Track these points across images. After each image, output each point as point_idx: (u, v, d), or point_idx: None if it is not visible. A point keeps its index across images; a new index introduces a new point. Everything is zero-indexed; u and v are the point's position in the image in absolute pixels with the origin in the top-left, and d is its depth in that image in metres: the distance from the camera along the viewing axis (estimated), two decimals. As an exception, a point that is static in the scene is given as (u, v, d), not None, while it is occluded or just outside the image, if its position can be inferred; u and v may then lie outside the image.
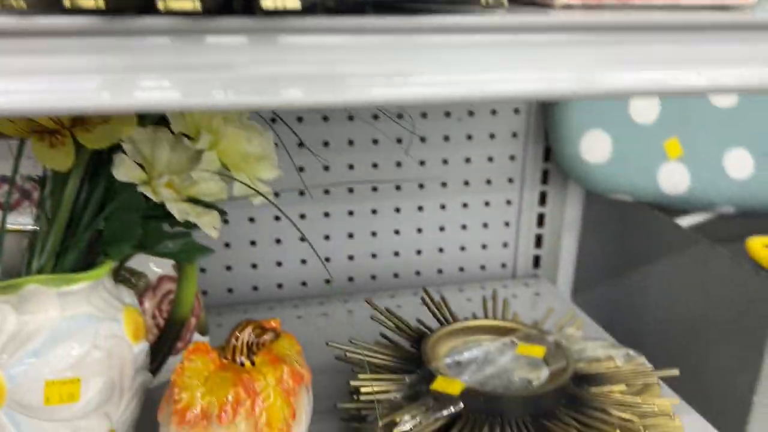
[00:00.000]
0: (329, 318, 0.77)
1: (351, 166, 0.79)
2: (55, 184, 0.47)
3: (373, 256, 0.84)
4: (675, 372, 0.56)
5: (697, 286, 0.73)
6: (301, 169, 0.77)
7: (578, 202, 0.89)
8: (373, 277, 0.85)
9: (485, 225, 0.86)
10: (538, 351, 0.58)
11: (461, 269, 0.88)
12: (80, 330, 0.47)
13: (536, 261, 0.90)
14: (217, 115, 0.46)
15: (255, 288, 0.81)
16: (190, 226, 0.48)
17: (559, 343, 0.58)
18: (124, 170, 0.43)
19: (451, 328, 0.62)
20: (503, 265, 0.89)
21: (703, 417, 0.61)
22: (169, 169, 0.46)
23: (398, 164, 0.80)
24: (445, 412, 0.50)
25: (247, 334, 0.49)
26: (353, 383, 0.55)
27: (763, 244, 0.61)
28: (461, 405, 0.51)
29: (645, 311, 0.82)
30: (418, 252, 0.85)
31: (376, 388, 0.54)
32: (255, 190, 0.48)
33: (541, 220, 0.88)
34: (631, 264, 0.84)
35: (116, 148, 0.45)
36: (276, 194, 0.78)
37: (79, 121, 0.45)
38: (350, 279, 0.84)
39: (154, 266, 0.65)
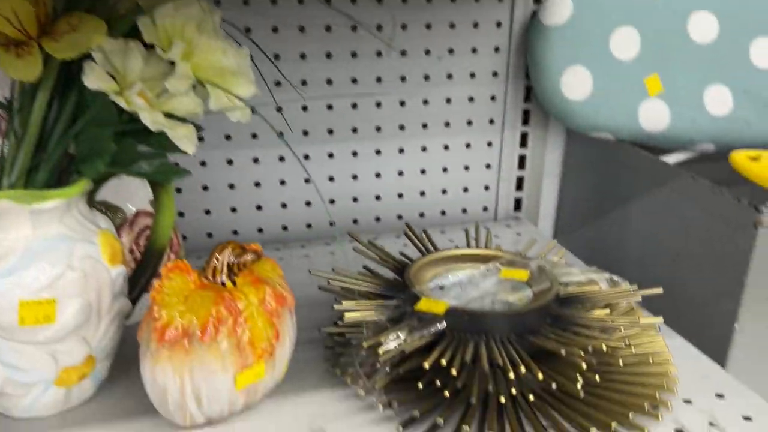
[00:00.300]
0: (310, 259, 0.76)
1: (329, 81, 0.77)
2: (24, 99, 0.45)
3: (354, 199, 0.83)
4: (658, 290, 0.56)
5: (679, 219, 0.73)
6: (277, 84, 0.76)
7: (559, 144, 0.89)
8: (355, 221, 0.84)
9: (466, 167, 0.86)
10: (521, 274, 0.57)
11: (443, 213, 0.87)
12: (54, 250, 0.46)
13: (517, 204, 0.90)
14: (191, 23, 0.44)
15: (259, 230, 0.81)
16: (164, 145, 0.47)
17: (542, 267, 0.58)
18: (94, 78, 0.42)
19: (434, 256, 0.61)
20: (485, 209, 0.89)
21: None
22: (142, 80, 0.45)
23: (378, 79, 0.78)
24: (429, 331, 0.50)
25: (227, 254, 0.48)
26: (337, 307, 0.54)
27: (747, 156, 0.61)
28: (445, 324, 0.50)
29: (626, 249, 0.82)
30: (400, 195, 0.85)
31: (360, 312, 0.53)
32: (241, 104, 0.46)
33: (522, 162, 0.88)
34: (612, 203, 0.84)
35: (86, 58, 0.43)
36: (254, 136, 0.77)
37: (46, 31, 0.43)
38: (331, 224, 0.83)
39: (131, 205, 0.63)
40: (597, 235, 0.89)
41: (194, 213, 0.78)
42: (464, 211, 0.88)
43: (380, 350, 0.49)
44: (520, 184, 0.89)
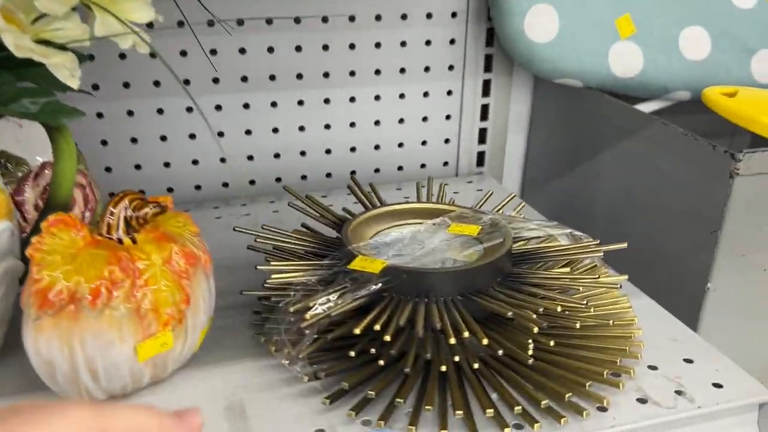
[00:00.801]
0: (251, 217, 0.69)
1: (269, 21, 0.70)
2: None
3: (302, 153, 0.76)
4: (622, 245, 0.51)
5: (651, 170, 0.67)
6: (210, 24, 0.69)
7: (526, 93, 0.82)
8: (304, 177, 0.77)
9: (424, 119, 0.79)
10: (471, 230, 0.51)
11: (400, 168, 0.81)
12: None
13: (480, 158, 0.84)
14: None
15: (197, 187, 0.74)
16: (47, 79, 0.40)
17: (496, 222, 0.52)
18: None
19: (378, 211, 0.55)
20: (445, 164, 0.82)
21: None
22: (13, 2, 0.37)
23: (324, 19, 0.71)
24: (363, 292, 0.44)
25: (123, 207, 0.42)
26: (261, 268, 0.48)
27: (722, 92, 0.56)
28: (380, 284, 0.44)
29: (597, 204, 0.77)
30: (352, 149, 0.78)
31: (288, 273, 0.47)
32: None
33: (484, 113, 0.82)
34: (582, 156, 0.78)
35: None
36: (187, 81, 0.69)
37: None
38: (278, 179, 0.77)
39: (39, 157, 0.56)
40: (566, 192, 0.83)
41: (124, 167, 0.71)
42: (423, 166, 0.82)
43: (308, 314, 0.43)
44: (483, 136, 0.83)
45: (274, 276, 0.47)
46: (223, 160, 0.74)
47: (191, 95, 0.69)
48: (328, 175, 0.78)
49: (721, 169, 0.58)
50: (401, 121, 0.78)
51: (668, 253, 0.66)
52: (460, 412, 0.40)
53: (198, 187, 0.74)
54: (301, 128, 0.75)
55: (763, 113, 0.53)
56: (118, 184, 0.71)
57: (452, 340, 0.41)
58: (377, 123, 0.78)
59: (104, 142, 0.69)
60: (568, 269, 0.51)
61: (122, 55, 0.66)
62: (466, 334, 0.41)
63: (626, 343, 0.47)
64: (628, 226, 0.72)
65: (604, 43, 0.73)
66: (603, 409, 0.43)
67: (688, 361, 0.48)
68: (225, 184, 0.75)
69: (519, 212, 0.60)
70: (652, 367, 0.47)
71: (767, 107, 0.54)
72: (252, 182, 0.76)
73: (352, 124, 0.77)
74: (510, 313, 0.41)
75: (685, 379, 0.46)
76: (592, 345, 0.46)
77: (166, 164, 0.72)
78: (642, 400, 0.44)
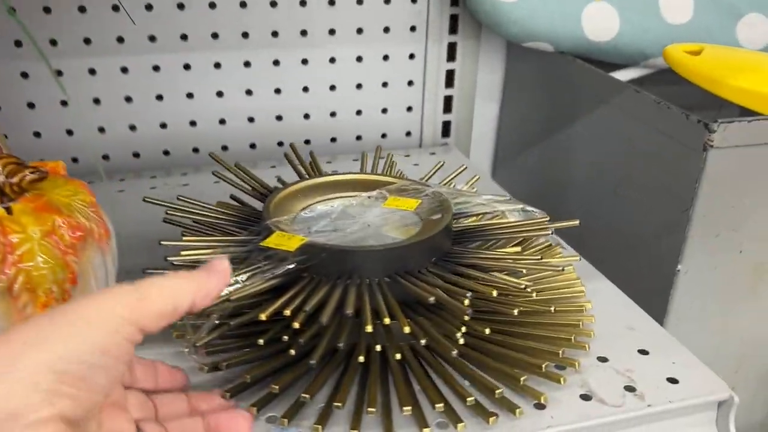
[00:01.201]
0: (190, 188, 0.64)
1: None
2: None
3: (250, 120, 0.71)
4: (574, 222, 0.46)
5: (623, 143, 0.62)
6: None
7: (496, 59, 0.77)
8: (252, 146, 0.72)
9: (384, 84, 0.74)
10: (409, 204, 0.46)
11: (358, 138, 0.75)
12: None
13: (446, 128, 0.78)
14: None
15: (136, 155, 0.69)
16: None
17: (438, 195, 0.47)
18: None
19: (309, 183, 0.50)
20: (408, 133, 0.77)
21: (618, 287, 0.51)
22: None
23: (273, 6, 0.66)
24: (275, 272, 0.39)
25: (-5, 172, 0.37)
26: (164, 243, 0.43)
27: (685, 50, 0.50)
28: (295, 264, 0.39)
29: (569, 180, 0.72)
30: (306, 116, 0.73)
31: (196, 250, 0.42)
32: None
33: (450, 79, 0.76)
34: (554, 128, 0.73)
35: None
36: (120, 40, 0.64)
37: None
38: (224, 147, 0.71)
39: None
40: (538, 166, 0.78)
41: (54, 132, 0.66)
42: (384, 136, 0.76)
43: None
44: (448, 105, 0.77)
45: (182, 252, 0.42)
46: (164, 125, 0.68)
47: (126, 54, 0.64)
48: (280, 143, 0.73)
49: (695, 141, 0.53)
50: (359, 86, 0.73)
51: (639, 233, 0.61)
52: (373, 409, 0.36)
53: (137, 155, 0.69)
54: (248, 92, 0.69)
55: (730, 75, 0.48)
56: (51, 151, 0.66)
57: (369, 328, 0.36)
58: (332, 88, 0.72)
59: (31, 105, 0.64)
60: (517, 249, 0.46)
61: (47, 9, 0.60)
62: (387, 320, 0.37)
63: (573, 331, 0.42)
64: (601, 204, 0.66)
65: (576, 3, 0.68)
66: (540, 407, 0.38)
67: (643, 352, 0.43)
68: (166, 152, 0.70)
69: (471, 186, 0.55)
70: (602, 359, 0.42)
71: (736, 68, 0.49)
72: (195, 150, 0.70)
73: (305, 89, 0.71)
74: (432, 298, 0.36)
75: (637, 373, 0.41)
76: (534, 333, 0.41)
77: (101, 129, 0.67)
78: (586, 397, 0.39)
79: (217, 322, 0.38)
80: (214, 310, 0.38)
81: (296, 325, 0.36)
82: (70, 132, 0.66)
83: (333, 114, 0.73)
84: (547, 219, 0.46)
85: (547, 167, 0.76)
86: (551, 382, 0.39)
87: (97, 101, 0.65)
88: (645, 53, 0.71)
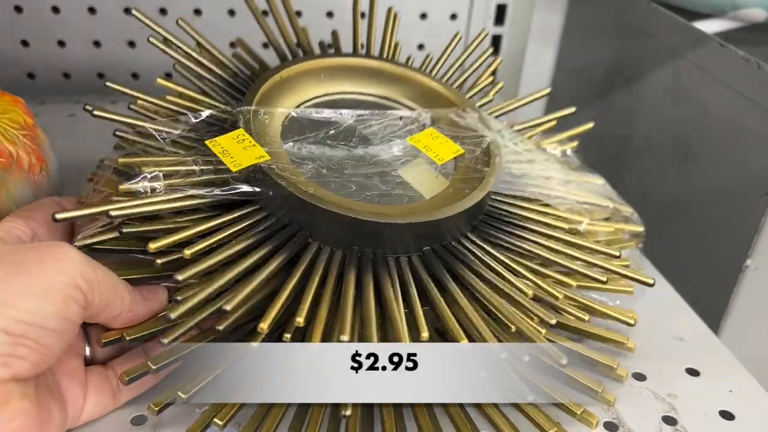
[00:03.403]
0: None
1: None
2: None
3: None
4: (639, 228, 0.36)
5: (699, 105, 0.52)
6: None
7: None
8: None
9: (423, 15, 0.64)
10: (444, 150, 0.35)
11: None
12: None
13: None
14: None
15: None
16: None
17: (492, 150, 0.36)
18: None
19: (329, 62, 0.39)
20: (446, 75, 0.67)
21: (669, 281, 0.41)
22: None
23: None
24: (202, 193, 0.29)
25: None
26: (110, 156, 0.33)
27: None
28: (226, 191, 0.30)
29: (628, 145, 0.62)
30: (331, 46, 0.64)
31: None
32: None
33: (501, 15, 0.65)
34: (617, 85, 0.62)
35: None
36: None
37: None
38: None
39: None
40: (594, 127, 0.68)
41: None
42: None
43: (122, 188, 0.29)
44: (496, 45, 0.67)
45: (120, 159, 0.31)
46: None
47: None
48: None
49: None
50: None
51: (704, 216, 0.51)
52: None
53: (101, 75, 0.61)
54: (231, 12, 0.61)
55: None
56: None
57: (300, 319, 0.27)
58: (363, 15, 0.63)
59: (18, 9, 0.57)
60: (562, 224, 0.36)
61: None
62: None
63: (608, 338, 0.34)
64: (663, 177, 0.56)
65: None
66: (551, 435, 0.30)
67: (692, 372, 0.34)
68: (135, 75, 0.61)
69: (544, 135, 0.44)
70: (639, 377, 0.33)
71: None
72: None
73: (329, 14, 0.62)
74: (398, 316, 0.28)
75: (681, 400, 0.32)
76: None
77: (96, 43, 0.59)
78: (611, 426, 0.30)
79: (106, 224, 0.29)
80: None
81: (228, 307, 0.27)
82: (25, 42, 0.58)
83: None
84: (641, 233, 0.36)
85: (605, 129, 0.65)
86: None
87: (55, 9, 0.57)
88: (735, 2, 0.59)
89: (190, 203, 0.30)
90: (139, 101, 0.35)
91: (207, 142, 0.32)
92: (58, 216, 0.28)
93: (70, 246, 0.26)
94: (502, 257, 0.32)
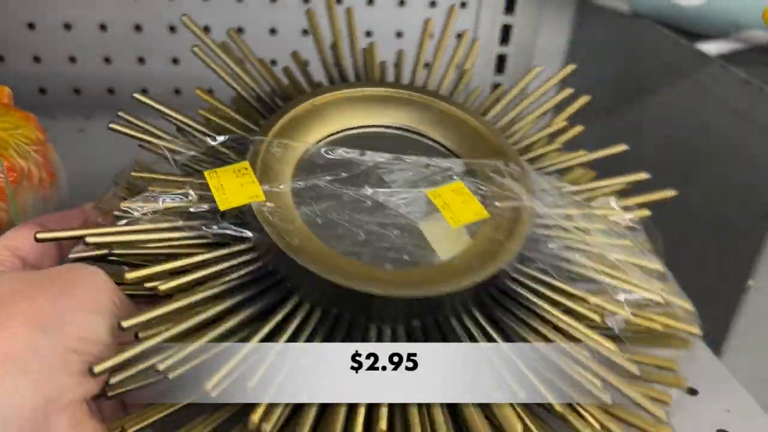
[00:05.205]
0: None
1: None
2: None
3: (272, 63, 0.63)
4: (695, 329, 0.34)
5: (701, 124, 0.52)
6: None
7: (562, 17, 0.67)
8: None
9: (433, 4, 0.65)
10: (469, 212, 0.31)
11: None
12: None
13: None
14: None
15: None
16: None
17: (525, 216, 0.32)
18: None
19: (361, 92, 0.36)
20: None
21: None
22: None
23: None
24: (191, 232, 0.28)
25: None
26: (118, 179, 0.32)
27: None
28: (217, 230, 0.29)
29: (632, 163, 0.62)
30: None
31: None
32: None
33: (506, 35, 0.66)
34: (622, 105, 0.63)
35: None
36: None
37: None
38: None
39: None
40: (599, 146, 0.68)
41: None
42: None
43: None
44: (501, 64, 0.68)
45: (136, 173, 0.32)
46: (175, 61, 0.61)
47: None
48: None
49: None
50: (399, 34, 0.64)
51: (705, 235, 0.52)
52: None
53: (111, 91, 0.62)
54: (273, 31, 0.62)
55: None
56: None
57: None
58: (369, 34, 0.64)
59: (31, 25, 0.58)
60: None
61: None
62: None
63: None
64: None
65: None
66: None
67: (690, 391, 0.34)
68: (177, 91, 0.63)
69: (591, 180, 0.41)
70: (636, 395, 0.34)
71: None
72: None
73: (399, 34, 0.63)
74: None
75: (677, 419, 0.32)
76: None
77: (107, 59, 0.61)
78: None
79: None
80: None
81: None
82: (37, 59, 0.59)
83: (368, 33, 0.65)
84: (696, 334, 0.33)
85: (609, 147, 0.66)
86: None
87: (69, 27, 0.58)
88: (738, 23, 0.59)
89: (170, 236, 0.29)
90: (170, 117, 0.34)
91: (205, 173, 0.31)
92: (39, 236, 0.28)
93: (95, 267, 0.27)
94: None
